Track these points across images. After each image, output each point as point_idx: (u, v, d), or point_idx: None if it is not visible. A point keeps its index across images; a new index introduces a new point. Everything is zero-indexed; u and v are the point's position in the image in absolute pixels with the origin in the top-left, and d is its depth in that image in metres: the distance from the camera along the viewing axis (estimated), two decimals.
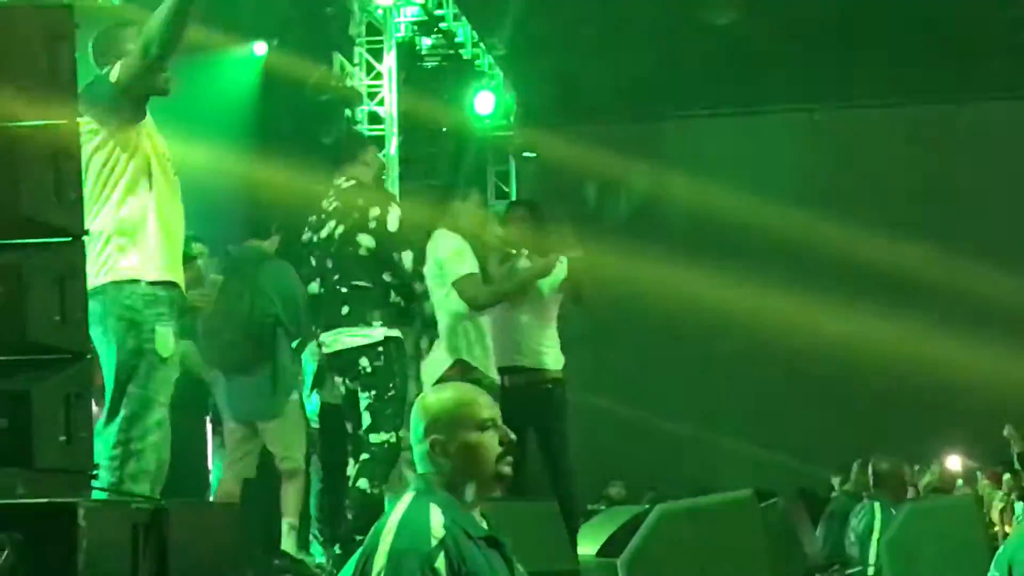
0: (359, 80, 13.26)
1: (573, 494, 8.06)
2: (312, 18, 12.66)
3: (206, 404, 8.53)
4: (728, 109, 16.87)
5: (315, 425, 8.46)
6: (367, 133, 12.98)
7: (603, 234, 14.61)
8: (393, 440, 6.72)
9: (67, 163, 4.29)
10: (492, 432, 3.76)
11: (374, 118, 13.37)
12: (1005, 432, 12.76)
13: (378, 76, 13.41)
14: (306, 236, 7.15)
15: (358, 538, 6.41)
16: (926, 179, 16.58)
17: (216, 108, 11.17)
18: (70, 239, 4.29)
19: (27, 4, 4.63)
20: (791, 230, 14.61)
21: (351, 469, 6.82)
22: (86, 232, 4.43)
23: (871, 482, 9.44)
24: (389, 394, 6.74)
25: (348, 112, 13.18)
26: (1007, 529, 12.98)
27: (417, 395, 7.46)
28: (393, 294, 6.85)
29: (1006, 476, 13.86)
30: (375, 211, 6.84)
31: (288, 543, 7.70)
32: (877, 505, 8.81)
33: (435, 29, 14.66)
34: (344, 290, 6.86)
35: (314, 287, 7.10)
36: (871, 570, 8.11)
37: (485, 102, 15.53)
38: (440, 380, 7.18)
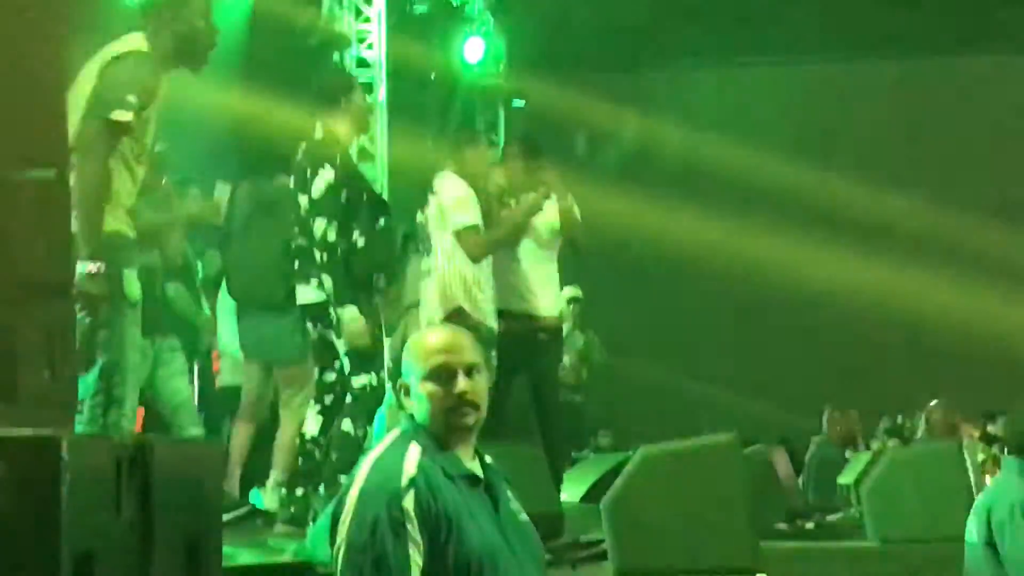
0: (348, 24, 13.18)
1: (560, 439, 8.10)
2: None
3: (195, 347, 8.53)
4: (717, 59, 16.83)
5: None
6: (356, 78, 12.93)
7: (592, 182, 14.65)
8: (375, 383, 6.78)
9: (50, 95, 4.26)
10: (439, 382, 3.69)
11: (362, 63, 13.31)
12: None
13: (367, 20, 13.34)
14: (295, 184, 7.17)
15: (341, 478, 6.47)
16: (914, 129, 16.59)
17: None
18: (54, 171, 4.27)
19: None
20: (779, 180, 14.63)
21: (310, 411, 6.88)
22: (71, 163, 4.41)
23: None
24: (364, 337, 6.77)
25: (337, 56, 13.11)
26: (987, 481, 13.05)
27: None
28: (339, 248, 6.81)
29: (990, 428, 13.92)
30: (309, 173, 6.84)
31: (272, 499, 7.64)
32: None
33: None
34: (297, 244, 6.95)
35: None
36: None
37: (475, 48, 15.46)
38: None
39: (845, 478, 9.33)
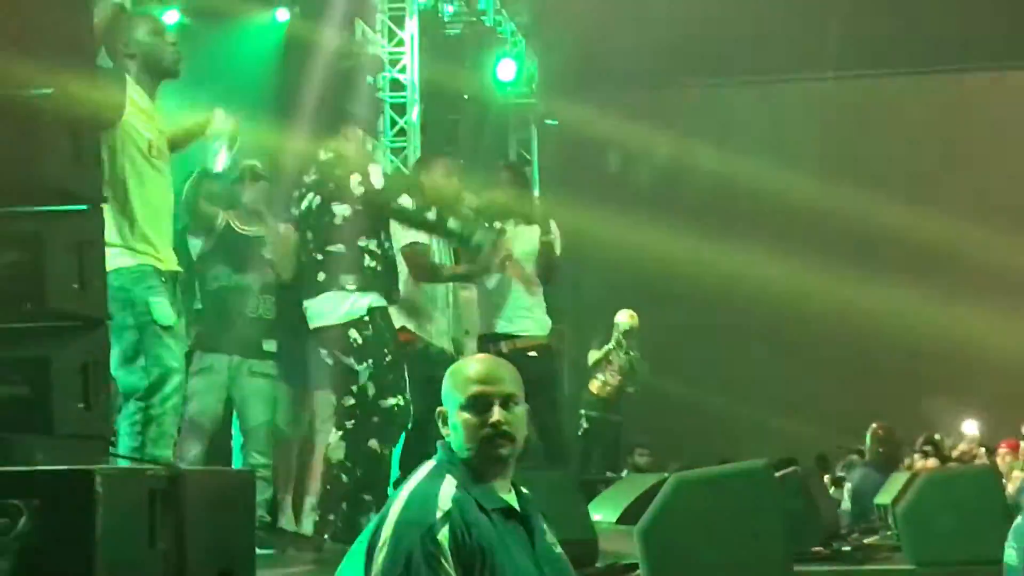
0: (381, 47, 13.24)
1: (564, 461, 8.12)
2: None
3: None
4: (750, 77, 16.82)
5: None
6: (389, 100, 12.99)
7: (625, 201, 14.66)
8: (401, 403, 6.80)
9: (85, 131, 4.31)
10: (475, 412, 3.68)
11: (396, 85, 13.36)
12: None
13: (400, 43, 13.40)
14: (292, 211, 7.21)
15: (366, 497, 6.51)
16: (948, 146, 16.52)
17: (238, 75, 11.18)
18: (88, 206, 4.31)
19: None
20: (813, 199, 14.59)
21: (333, 438, 6.90)
22: (104, 199, 4.45)
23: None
24: (386, 360, 6.80)
25: (370, 79, 13.16)
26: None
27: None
28: (368, 259, 6.85)
29: None
30: (356, 178, 6.84)
31: (308, 524, 7.67)
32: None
33: None
34: (319, 257, 6.91)
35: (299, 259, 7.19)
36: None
37: (507, 69, 15.50)
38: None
39: (881, 499, 9.27)
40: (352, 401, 6.88)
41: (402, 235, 7.50)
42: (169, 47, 5.81)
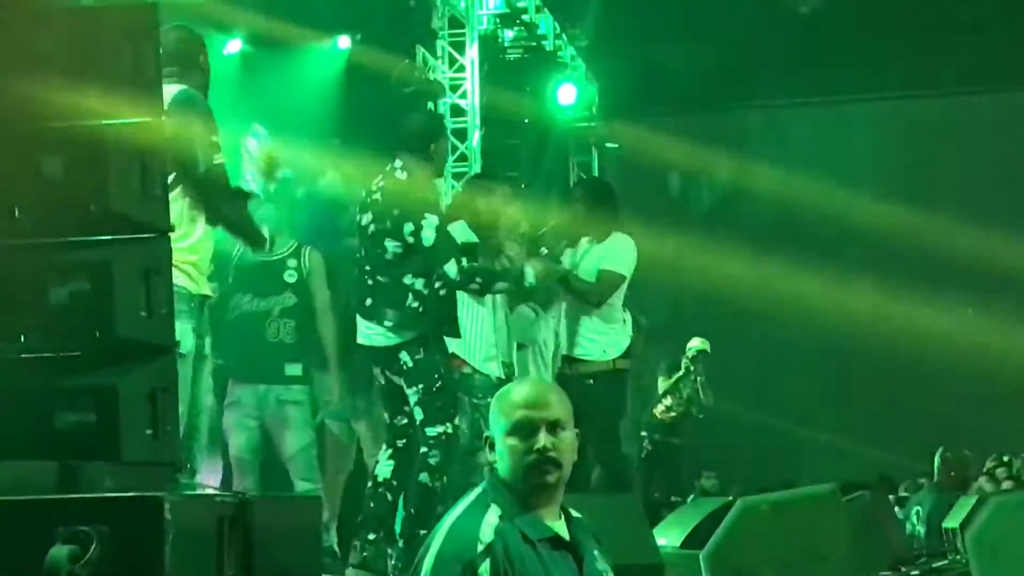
0: (442, 73, 13.30)
1: (632, 493, 8.08)
2: (395, 11, 12.71)
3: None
4: (810, 98, 16.75)
5: None
6: (450, 126, 13.04)
7: (686, 224, 14.63)
8: (450, 431, 6.75)
9: (152, 160, 4.34)
10: (521, 437, 3.62)
11: (457, 111, 13.41)
12: None
13: (461, 69, 13.45)
14: (355, 216, 7.20)
15: (421, 532, 6.43)
16: (1011, 167, 16.37)
17: (301, 102, 11.25)
18: (156, 234, 4.34)
19: (112, 4, 4.69)
20: (874, 220, 14.49)
21: (382, 455, 6.88)
22: (172, 227, 4.48)
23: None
24: (436, 386, 6.77)
25: (431, 105, 13.22)
26: None
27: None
28: (411, 297, 6.83)
29: None
30: (408, 227, 6.81)
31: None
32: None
33: (517, 21, 14.69)
34: (370, 282, 6.91)
35: (355, 271, 7.17)
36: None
37: (567, 93, 15.51)
38: None
39: (950, 522, 9.17)
40: (405, 420, 6.87)
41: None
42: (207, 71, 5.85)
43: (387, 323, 6.81)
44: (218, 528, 3.73)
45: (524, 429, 3.64)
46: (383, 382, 6.98)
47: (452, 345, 7.32)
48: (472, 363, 7.64)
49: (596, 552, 3.74)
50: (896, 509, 11.97)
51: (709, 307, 14.57)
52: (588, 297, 8.21)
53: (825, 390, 16.46)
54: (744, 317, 15.63)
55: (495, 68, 14.27)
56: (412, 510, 6.75)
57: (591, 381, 8.12)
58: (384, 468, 6.88)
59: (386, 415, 7.06)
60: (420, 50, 12.96)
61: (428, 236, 6.79)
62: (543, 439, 3.62)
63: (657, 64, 15.44)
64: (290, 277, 7.79)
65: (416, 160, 7.01)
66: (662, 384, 13.40)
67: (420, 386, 6.77)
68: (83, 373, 4.13)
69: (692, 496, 13.07)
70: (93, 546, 3.42)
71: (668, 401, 13.37)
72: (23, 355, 4.12)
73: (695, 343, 13.37)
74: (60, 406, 4.08)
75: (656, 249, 12.59)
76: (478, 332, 7.72)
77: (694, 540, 7.94)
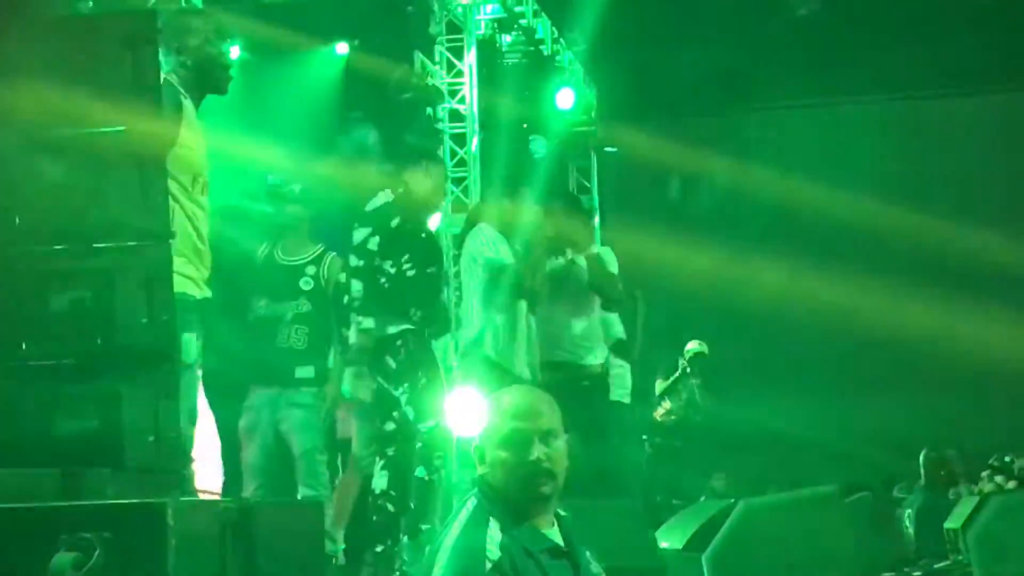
0: (440, 78, 13.30)
1: (625, 489, 8.11)
2: (393, 17, 12.72)
3: None
4: (809, 101, 16.76)
5: None
6: (448, 131, 13.04)
7: (686, 228, 14.63)
8: (439, 423, 6.83)
9: (152, 166, 4.36)
10: (514, 449, 3.58)
11: (455, 116, 13.41)
12: None
13: (459, 74, 13.43)
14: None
15: (423, 527, 6.53)
16: (1012, 169, 16.37)
17: (300, 109, 11.27)
18: (156, 241, 4.35)
19: (111, 11, 4.70)
20: (875, 221, 14.50)
21: (376, 467, 6.91)
22: (172, 234, 4.49)
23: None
24: (421, 383, 6.85)
25: (430, 110, 13.23)
26: None
27: None
28: (379, 276, 6.92)
29: None
30: (388, 263, 6.93)
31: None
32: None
33: (515, 26, 14.68)
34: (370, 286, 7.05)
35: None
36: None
37: (566, 98, 15.50)
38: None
39: (952, 523, 9.18)
40: (393, 426, 6.89)
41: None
42: (223, 59, 5.60)
43: (355, 302, 6.86)
44: (221, 534, 3.74)
45: (516, 441, 3.60)
46: (372, 386, 7.00)
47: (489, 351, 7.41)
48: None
49: (588, 555, 3.73)
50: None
51: (709, 310, 14.57)
52: (614, 294, 8.31)
53: (827, 391, 16.44)
54: (745, 320, 15.62)
55: (493, 73, 14.27)
56: (412, 505, 6.81)
57: (588, 384, 8.15)
58: (380, 479, 6.91)
59: (377, 420, 7.08)
60: (418, 56, 12.96)
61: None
62: (536, 451, 3.59)
63: (655, 67, 15.45)
64: (306, 284, 7.79)
65: (415, 176, 7.10)
66: (660, 386, 13.42)
67: (406, 385, 6.81)
68: (85, 380, 4.14)
69: (703, 497, 13.08)
70: (96, 553, 3.43)
71: (668, 404, 13.39)
72: (25, 362, 4.14)
73: (692, 346, 13.41)
74: (62, 413, 4.09)
75: (655, 252, 12.64)
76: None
77: (697, 543, 7.95)
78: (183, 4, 9.70)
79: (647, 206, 15.84)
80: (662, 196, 16.75)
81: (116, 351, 4.18)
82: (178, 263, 5.14)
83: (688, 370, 13.39)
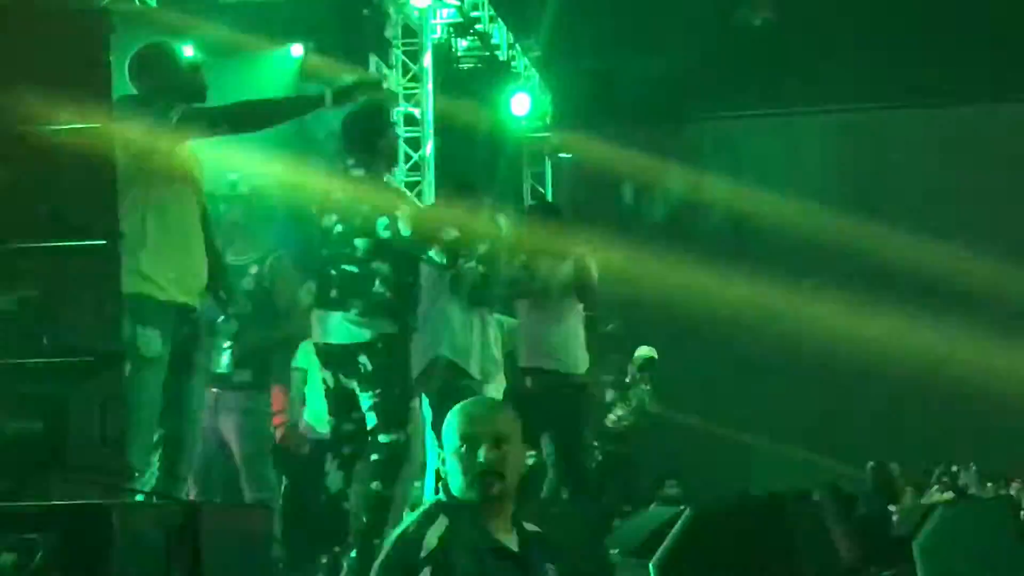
0: (396, 82, 13.28)
1: (593, 502, 8.11)
2: (348, 20, 12.69)
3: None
4: (762, 110, 16.85)
5: None
6: (404, 135, 13.03)
7: (640, 235, 14.67)
8: (403, 439, 6.63)
9: (101, 165, 4.33)
10: (466, 452, 3.75)
11: (410, 120, 13.40)
12: None
13: (414, 78, 13.43)
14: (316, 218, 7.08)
15: (376, 541, 6.34)
16: (959, 179, 16.51)
17: None
18: (104, 241, 4.32)
19: (63, 8, 4.66)
20: (827, 231, 14.58)
21: (330, 466, 6.78)
22: (121, 234, 4.45)
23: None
24: (395, 391, 6.63)
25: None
26: None
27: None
28: (378, 283, 6.69)
29: None
30: (383, 220, 6.65)
31: None
32: None
33: (471, 31, 14.70)
34: (335, 273, 6.73)
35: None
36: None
37: (521, 103, 15.54)
38: (422, 373, 7.33)
39: (898, 531, 9.24)
40: (352, 427, 6.74)
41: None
42: (195, 77, 5.75)
43: (354, 311, 6.67)
44: (166, 536, 3.71)
45: (469, 444, 3.76)
46: (331, 385, 6.82)
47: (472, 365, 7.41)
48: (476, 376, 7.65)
49: (549, 566, 3.79)
50: None
51: (661, 317, 14.60)
52: (588, 302, 8.34)
53: (778, 399, 16.52)
54: (696, 327, 15.66)
55: (449, 77, 14.27)
56: (364, 519, 6.65)
57: (571, 391, 8.17)
58: (335, 479, 6.78)
59: (331, 419, 6.93)
60: (373, 58, 12.94)
61: (404, 226, 6.69)
62: (485, 453, 3.74)
63: (610, 75, 15.50)
64: (248, 284, 7.72)
65: (367, 157, 6.90)
66: (610, 393, 13.44)
67: (378, 391, 6.63)
68: (31, 381, 4.11)
69: (653, 504, 13.11)
70: (39, 555, 3.40)
71: (619, 411, 13.41)
72: None
73: (642, 351, 13.44)
74: (7, 414, 4.06)
75: (608, 259, 12.64)
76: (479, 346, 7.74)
77: (646, 549, 7.97)
78: (136, 3, 9.67)
79: (601, 212, 15.86)
80: (616, 202, 16.79)
81: (63, 351, 4.15)
82: (141, 263, 5.15)
83: (639, 376, 13.41)
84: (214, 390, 7.56)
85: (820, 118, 17.10)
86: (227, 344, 7.57)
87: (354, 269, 6.69)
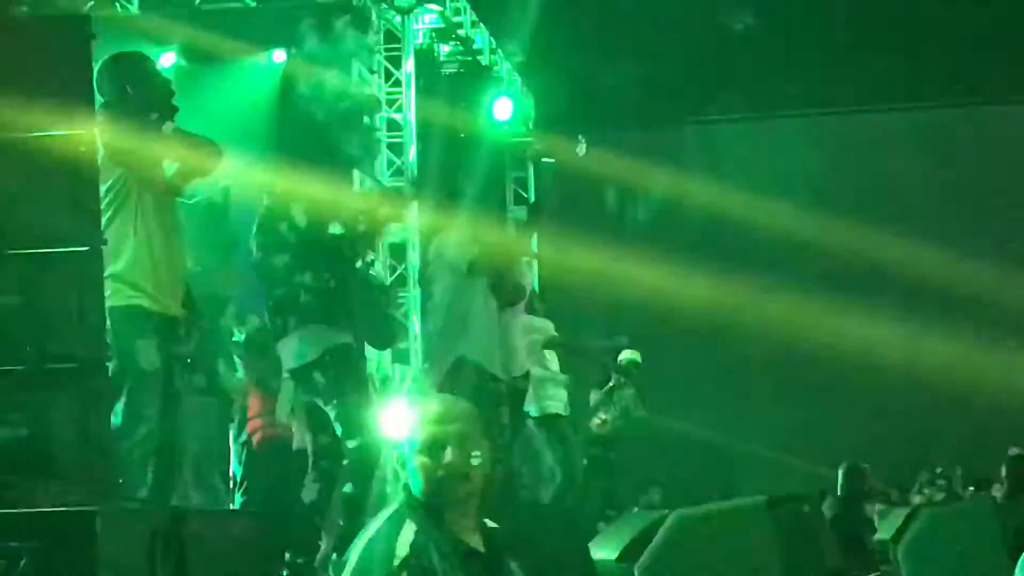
0: (378, 87, 13.27)
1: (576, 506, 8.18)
2: (330, 26, 12.67)
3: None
4: (743, 113, 16.88)
5: None
6: (385, 140, 13.03)
7: (621, 239, 14.69)
8: (369, 443, 6.76)
9: (85, 173, 4.32)
10: (429, 454, 3.65)
11: (393, 125, 13.39)
12: None
13: (397, 83, 13.42)
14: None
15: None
16: (941, 182, 16.57)
17: (235, 116, 11.20)
18: (87, 248, 4.32)
19: (46, 15, 4.67)
20: (810, 233, 14.61)
21: (307, 478, 6.85)
22: (104, 241, 4.45)
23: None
24: (351, 399, 6.76)
25: (367, 120, 13.19)
26: None
27: None
28: (303, 293, 6.75)
29: None
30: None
31: None
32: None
33: (453, 36, 14.68)
34: (271, 303, 6.93)
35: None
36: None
37: (503, 108, 15.51)
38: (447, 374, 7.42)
39: (882, 535, 9.27)
40: (327, 440, 6.84)
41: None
42: (163, 89, 5.73)
43: (296, 333, 6.73)
44: (151, 542, 3.71)
45: (433, 446, 3.67)
46: (305, 399, 6.96)
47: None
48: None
49: (513, 566, 3.76)
50: None
51: (645, 320, 14.62)
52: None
53: (761, 402, 16.56)
54: (680, 330, 15.69)
55: (431, 82, 14.25)
56: (340, 523, 6.74)
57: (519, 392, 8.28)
58: (310, 490, 6.85)
59: (308, 435, 7.03)
60: (356, 64, 12.92)
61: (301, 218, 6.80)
62: (450, 455, 3.66)
63: (593, 79, 15.49)
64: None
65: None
66: (594, 396, 13.42)
67: (335, 401, 6.75)
68: (14, 388, 4.10)
69: (636, 509, 13.11)
70: (23, 562, 3.40)
71: (603, 415, 13.40)
72: None
73: (626, 354, 13.41)
74: None
75: (591, 262, 12.66)
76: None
77: (630, 554, 7.98)
78: (119, 10, 9.66)
79: (583, 217, 15.87)
80: (599, 207, 16.80)
81: (46, 358, 4.15)
82: (132, 274, 5.16)
83: (623, 380, 13.39)
84: None
85: (800, 121, 17.14)
86: None
87: (282, 292, 6.78)
